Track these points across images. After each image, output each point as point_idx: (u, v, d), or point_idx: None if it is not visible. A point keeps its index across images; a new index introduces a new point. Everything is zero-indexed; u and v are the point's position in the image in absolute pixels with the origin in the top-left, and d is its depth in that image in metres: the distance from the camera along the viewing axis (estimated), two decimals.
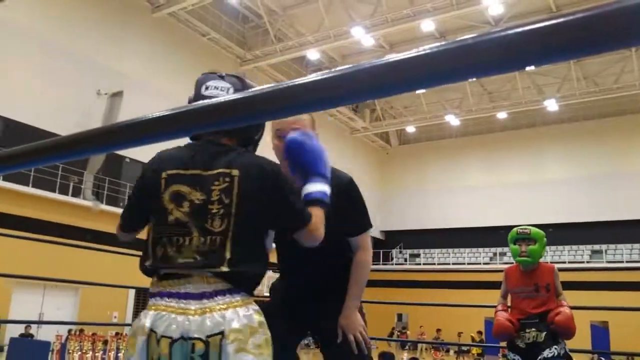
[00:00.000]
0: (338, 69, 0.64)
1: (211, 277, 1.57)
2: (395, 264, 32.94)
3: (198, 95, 1.76)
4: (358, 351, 2.00)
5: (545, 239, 3.20)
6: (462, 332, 22.85)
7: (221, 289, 1.57)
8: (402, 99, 31.62)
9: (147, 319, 1.58)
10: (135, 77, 20.65)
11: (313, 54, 25.48)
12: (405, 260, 33.21)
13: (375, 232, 35.26)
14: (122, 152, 20.17)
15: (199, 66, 21.42)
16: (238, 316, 1.54)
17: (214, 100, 0.77)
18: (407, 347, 22.77)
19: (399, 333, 25.69)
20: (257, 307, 1.60)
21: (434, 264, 31.57)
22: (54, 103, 18.03)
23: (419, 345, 23.03)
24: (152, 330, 1.55)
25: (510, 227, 3.88)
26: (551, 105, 28.20)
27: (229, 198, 1.62)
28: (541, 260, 3.21)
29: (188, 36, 23.60)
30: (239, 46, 25.41)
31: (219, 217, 1.61)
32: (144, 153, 20.63)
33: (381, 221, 35.53)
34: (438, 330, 22.54)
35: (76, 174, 18.52)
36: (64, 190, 17.93)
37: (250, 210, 1.63)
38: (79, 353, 5.82)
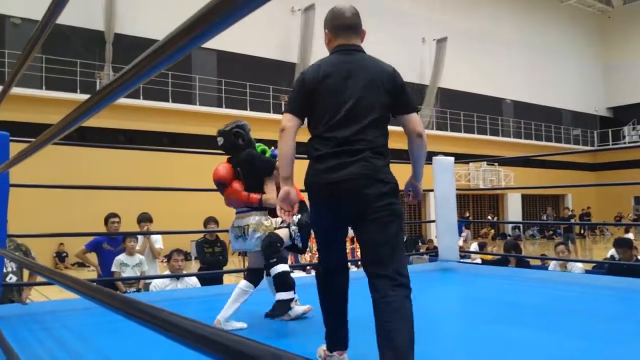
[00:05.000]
0: None
1: None
2: (629, 143, 29.33)
3: None
4: None
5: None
6: None
7: None
8: None
9: None
10: None
11: None
12: None
13: (600, 109, 31.65)
14: None
15: None
16: None
17: None
18: None
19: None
20: None
21: None
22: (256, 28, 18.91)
23: None
24: None
25: None
26: None
27: None
28: None
29: None
30: None
31: None
32: None
33: (605, 97, 31.68)
34: None
35: (285, 93, 19.65)
36: (277, 110, 19.23)
37: None
38: (309, 253, 6.52)
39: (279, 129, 2.30)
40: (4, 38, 16.75)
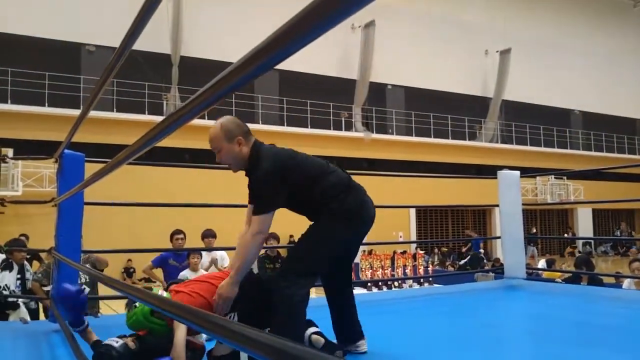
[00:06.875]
0: None
1: None
2: None
3: None
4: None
5: None
6: None
7: None
8: None
9: None
10: None
11: None
12: None
13: None
14: (382, 81, 20.72)
15: None
16: None
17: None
18: None
19: None
20: None
21: None
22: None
23: None
24: None
25: None
26: None
27: None
28: None
29: None
30: None
31: None
32: (404, 78, 21.23)
33: None
34: None
35: (345, 109, 19.70)
36: (337, 126, 19.30)
37: None
38: (370, 270, 6.49)
39: (254, 231, 2.57)
40: (80, 65, 17.70)
